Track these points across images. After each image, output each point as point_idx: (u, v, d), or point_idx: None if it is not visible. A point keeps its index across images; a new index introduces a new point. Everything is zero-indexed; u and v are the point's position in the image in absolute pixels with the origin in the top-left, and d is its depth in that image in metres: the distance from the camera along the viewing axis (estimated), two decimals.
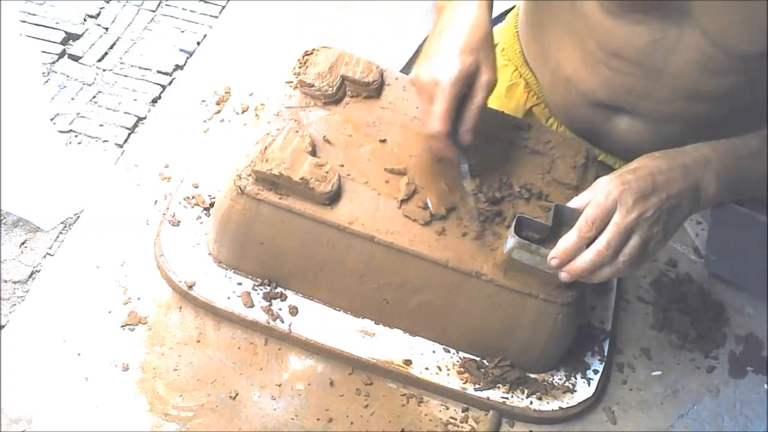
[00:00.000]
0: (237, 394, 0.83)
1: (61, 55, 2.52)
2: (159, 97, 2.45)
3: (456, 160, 0.88)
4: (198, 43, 2.61)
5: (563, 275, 0.80)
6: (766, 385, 0.99)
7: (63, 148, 2.24)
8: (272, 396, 0.84)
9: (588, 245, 0.78)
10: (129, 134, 2.35)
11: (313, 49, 0.98)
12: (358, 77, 0.96)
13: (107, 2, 2.70)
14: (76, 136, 2.32)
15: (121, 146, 2.31)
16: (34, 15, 2.58)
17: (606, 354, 0.94)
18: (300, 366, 0.87)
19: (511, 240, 0.81)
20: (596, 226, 0.78)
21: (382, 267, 0.85)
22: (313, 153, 0.87)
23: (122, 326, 0.86)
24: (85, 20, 2.62)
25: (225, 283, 0.89)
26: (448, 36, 0.84)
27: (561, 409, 0.89)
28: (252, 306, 0.88)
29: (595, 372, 0.92)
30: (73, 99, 2.41)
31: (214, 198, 0.95)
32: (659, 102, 0.98)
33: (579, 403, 0.90)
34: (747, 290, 1.06)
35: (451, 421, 0.86)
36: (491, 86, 0.85)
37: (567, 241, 0.78)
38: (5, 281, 1.96)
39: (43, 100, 2.26)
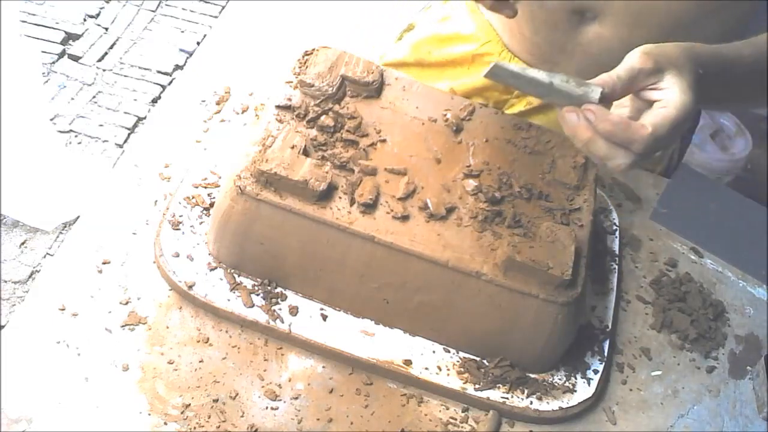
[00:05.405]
0: (237, 394, 0.83)
1: (61, 55, 2.52)
2: (159, 97, 2.46)
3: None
4: (198, 43, 2.61)
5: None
6: (751, 384, 0.99)
7: (63, 149, 2.24)
8: (272, 396, 0.84)
9: None
10: (129, 134, 2.36)
11: (313, 49, 0.98)
12: (358, 77, 0.96)
13: (107, 2, 2.70)
14: (75, 136, 2.32)
15: (121, 146, 2.31)
16: (34, 15, 2.59)
17: (606, 354, 0.94)
18: (300, 366, 0.87)
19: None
20: None
21: (382, 267, 0.85)
22: (307, 153, 0.87)
23: (122, 326, 0.86)
24: (85, 20, 2.63)
25: (225, 283, 0.89)
26: None
27: (561, 409, 0.89)
28: (252, 306, 0.88)
29: (595, 372, 0.92)
30: (73, 99, 2.41)
31: (214, 198, 0.95)
32: None
33: (579, 403, 0.90)
34: (690, 240, 1.11)
35: (451, 421, 0.86)
36: None
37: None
38: (5, 281, 1.97)
39: (43, 100, 2.26)
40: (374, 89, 0.96)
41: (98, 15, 2.66)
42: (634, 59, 0.75)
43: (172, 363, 0.84)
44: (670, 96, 0.74)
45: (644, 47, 0.77)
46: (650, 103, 0.76)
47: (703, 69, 0.78)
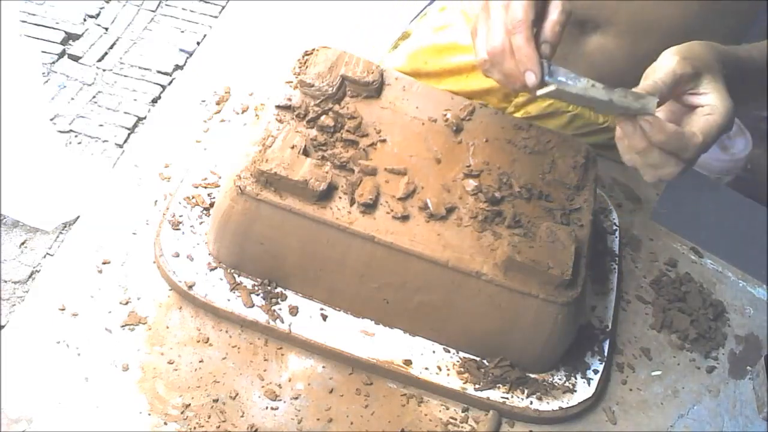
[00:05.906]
0: (237, 394, 0.83)
1: (61, 55, 2.52)
2: (159, 97, 2.46)
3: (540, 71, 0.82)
4: (198, 43, 2.61)
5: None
6: (751, 384, 0.99)
7: (63, 149, 2.24)
8: (272, 396, 0.84)
9: None
10: (129, 134, 2.36)
11: (313, 49, 0.98)
12: (358, 77, 0.96)
13: (107, 2, 2.70)
14: (75, 136, 2.32)
15: (121, 146, 2.31)
16: (34, 15, 2.59)
17: (606, 354, 0.94)
18: (300, 366, 0.87)
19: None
20: None
21: (382, 267, 0.85)
22: (307, 153, 0.87)
23: (122, 326, 0.86)
24: (85, 20, 2.63)
25: (225, 283, 0.89)
26: None
27: (561, 409, 0.89)
28: (252, 306, 0.88)
29: (595, 372, 0.92)
30: (73, 99, 2.41)
31: (214, 198, 0.95)
32: (635, 7, 0.97)
33: (579, 403, 0.90)
34: (690, 240, 1.12)
35: (451, 421, 0.86)
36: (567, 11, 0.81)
37: None
38: (5, 281, 1.97)
39: (43, 100, 2.26)
40: (374, 89, 0.96)
41: (98, 15, 2.66)
42: (673, 64, 0.75)
43: (172, 363, 0.84)
44: (712, 101, 0.75)
45: (676, 50, 0.77)
46: (690, 108, 0.77)
47: (725, 68, 0.79)
